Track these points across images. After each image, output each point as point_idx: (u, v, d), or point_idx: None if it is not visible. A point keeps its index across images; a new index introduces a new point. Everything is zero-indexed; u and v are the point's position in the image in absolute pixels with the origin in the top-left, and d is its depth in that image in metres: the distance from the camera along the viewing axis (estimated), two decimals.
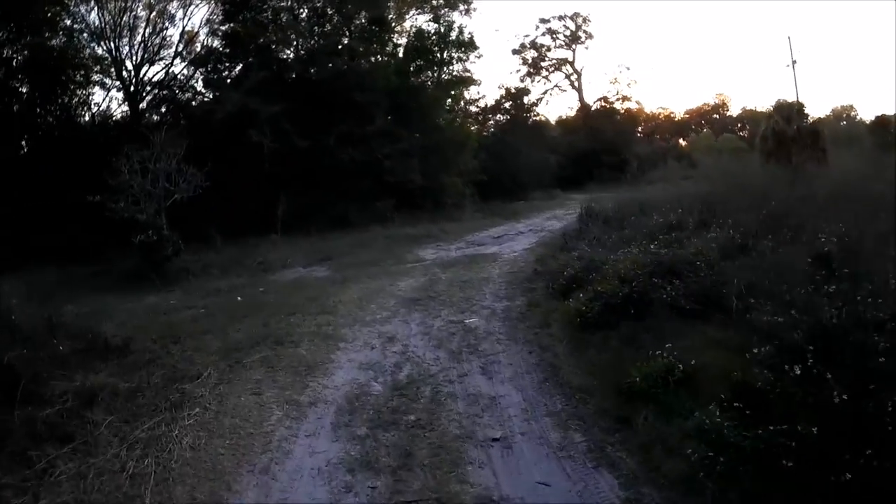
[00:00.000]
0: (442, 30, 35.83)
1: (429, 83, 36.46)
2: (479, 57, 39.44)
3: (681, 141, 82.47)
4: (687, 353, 9.29)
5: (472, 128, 39.16)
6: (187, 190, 22.33)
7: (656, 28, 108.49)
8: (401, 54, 36.36)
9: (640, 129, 61.44)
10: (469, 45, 36.47)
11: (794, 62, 50.75)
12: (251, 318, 14.34)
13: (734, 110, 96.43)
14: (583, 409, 9.00)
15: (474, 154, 37.17)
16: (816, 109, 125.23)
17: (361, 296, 16.01)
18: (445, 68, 35.92)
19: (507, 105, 53.05)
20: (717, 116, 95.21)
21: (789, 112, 43.37)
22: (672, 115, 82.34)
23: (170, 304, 17.21)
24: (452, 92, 37.51)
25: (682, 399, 8.57)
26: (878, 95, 79.58)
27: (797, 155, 42.07)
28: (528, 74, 57.72)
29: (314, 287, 17.71)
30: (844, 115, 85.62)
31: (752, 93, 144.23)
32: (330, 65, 32.29)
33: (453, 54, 36.22)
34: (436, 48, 35.90)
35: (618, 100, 58.29)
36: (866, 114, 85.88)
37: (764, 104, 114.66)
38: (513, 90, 54.20)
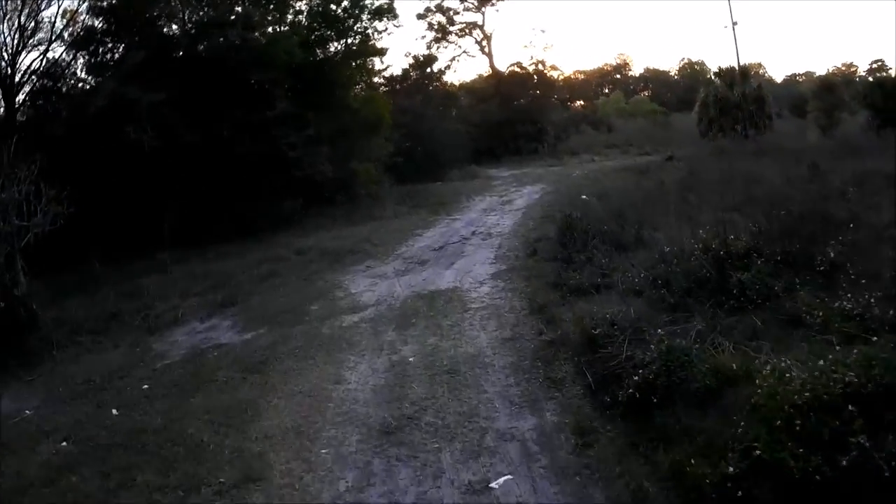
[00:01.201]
0: None
1: (337, 56, 30.16)
2: (397, 26, 33.07)
3: (578, 103, 78.11)
4: None
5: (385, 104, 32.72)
6: (42, 224, 15.91)
7: None
8: (304, 22, 29.87)
9: (555, 95, 56.28)
10: (387, 12, 30.23)
11: (734, 23, 46.73)
12: (133, 488, 8.47)
13: (636, 70, 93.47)
14: None
15: (388, 134, 31.18)
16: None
17: (297, 420, 9.76)
18: (351, 38, 29.56)
19: (415, 75, 47.15)
20: (620, 77, 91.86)
21: (732, 77, 39.11)
22: (583, 78, 78.19)
23: (23, 419, 11.47)
24: (354, 62, 31.09)
25: None
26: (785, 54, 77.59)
27: (742, 122, 38.03)
28: (436, 40, 51.81)
29: (218, 385, 11.53)
30: (752, 74, 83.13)
31: (654, 52, 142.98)
32: (222, 38, 25.81)
33: (366, 23, 29.97)
34: (346, 15, 29.51)
35: (532, 65, 53.00)
36: (775, 73, 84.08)
37: (669, 63, 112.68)
38: (420, 58, 48.42)
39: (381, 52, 34.46)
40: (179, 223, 22.76)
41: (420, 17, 51.64)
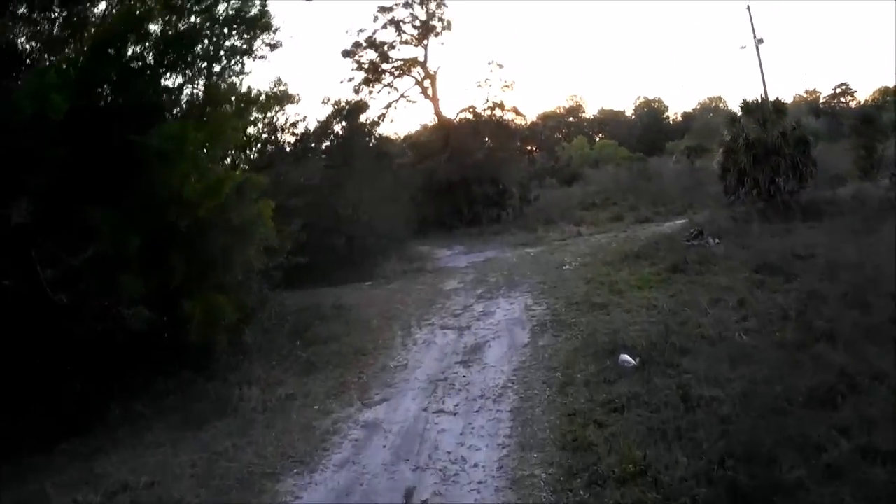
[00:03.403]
0: None
1: (180, 104, 16.00)
2: (273, 46, 17.53)
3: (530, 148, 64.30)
4: None
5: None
6: None
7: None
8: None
9: (518, 146, 42.45)
10: (254, 23, 15.88)
11: (759, 41, 33.89)
12: None
13: (590, 112, 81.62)
14: None
15: (267, 236, 16.44)
16: (679, 104, 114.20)
17: None
18: (187, 71, 15.16)
19: (338, 128, 32.97)
20: (573, 119, 79.76)
21: (764, 112, 26.01)
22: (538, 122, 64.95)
23: None
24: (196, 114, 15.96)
25: None
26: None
27: (784, 173, 25.10)
28: (366, 82, 37.69)
29: None
30: (713, 106, 71.97)
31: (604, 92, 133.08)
32: None
33: (221, 40, 15.61)
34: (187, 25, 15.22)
35: (488, 108, 39.29)
36: (735, 106, 72.35)
37: (624, 103, 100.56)
38: (345, 104, 34.07)
39: (279, 101, 21.21)
40: None
41: (347, 54, 37.72)
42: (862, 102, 62.21)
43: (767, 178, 25.01)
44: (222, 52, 15.21)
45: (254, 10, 15.08)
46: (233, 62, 15.88)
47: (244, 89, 16.87)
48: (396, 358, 14.77)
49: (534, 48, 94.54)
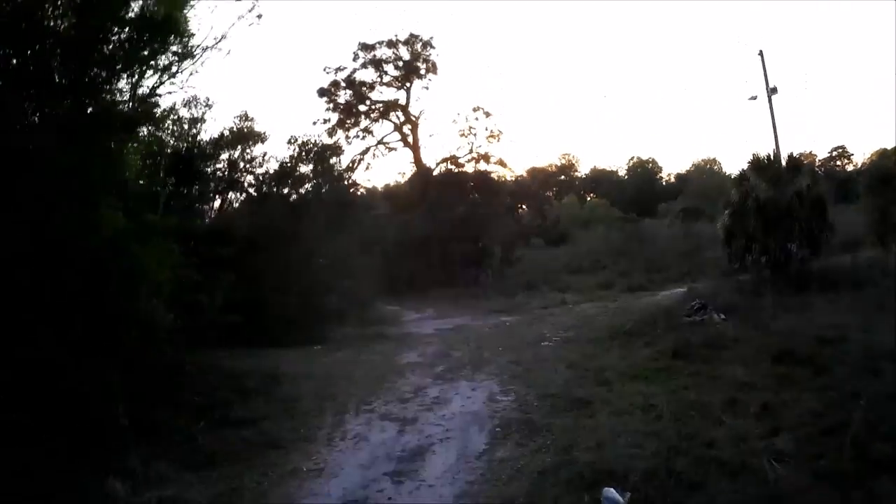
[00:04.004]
0: None
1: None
2: (183, 56, 13.29)
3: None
4: None
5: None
6: None
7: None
8: None
9: (507, 202, 39.28)
10: (163, 28, 12.39)
11: (772, 90, 30.93)
12: None
13: (582, 170, 79.53)
14: None
15: (161, 292, 12.56)
16: (673, 165, 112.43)
17: None
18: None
19: (306, 170, 29.56)
20: (565, 178, 77.36)
21: (776, 170, 23.06)
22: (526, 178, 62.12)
23: None
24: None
25: None
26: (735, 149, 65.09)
27: (798, 238, 22.08)
28: (341, 124, 34.69)
29: None
30: (707, 168, 69.86)
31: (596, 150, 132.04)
32: None
33: (123, 46, 12.19)
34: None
35: (472, 159, 36.30)
36: (730, 167, 69.96)
37: (617, 162, 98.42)
38: (313, 146, 30.60)
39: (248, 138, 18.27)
40: None
41: (323, 93, 34.76)
42: (859, 165, 60.32)
43: (778, 244, 22.00)
44: (120, 65, 11.90)
45: (163, 11, 11.80)
46: (141, 73, 12.61)
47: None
48: (314, 458, 11.24)
49: (525, 101, 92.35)
